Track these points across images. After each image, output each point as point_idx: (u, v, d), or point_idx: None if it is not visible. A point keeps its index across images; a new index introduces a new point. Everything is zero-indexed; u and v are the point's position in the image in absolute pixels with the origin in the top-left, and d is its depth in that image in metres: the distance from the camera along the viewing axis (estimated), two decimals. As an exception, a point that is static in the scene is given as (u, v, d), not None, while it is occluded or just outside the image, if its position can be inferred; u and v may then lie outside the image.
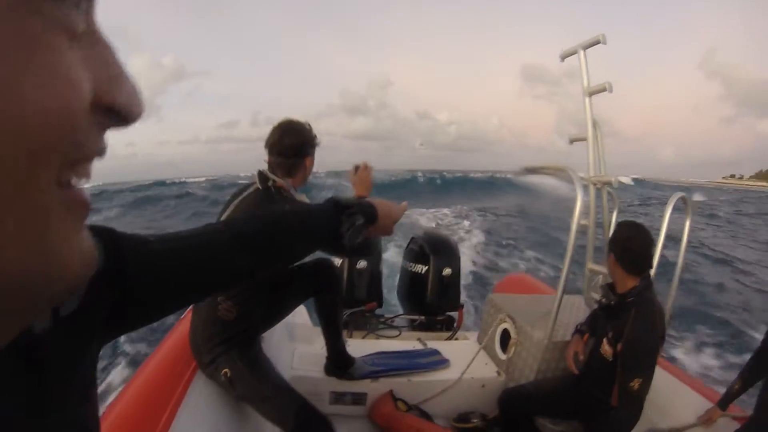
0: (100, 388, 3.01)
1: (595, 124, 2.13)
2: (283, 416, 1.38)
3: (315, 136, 1.56)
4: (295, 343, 2.20)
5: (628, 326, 1.54)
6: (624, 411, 1.52)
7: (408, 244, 2.96)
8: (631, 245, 1.60)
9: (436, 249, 2.73)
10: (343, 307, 2.60)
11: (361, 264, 2.56)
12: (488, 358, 2.25)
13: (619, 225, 1.73)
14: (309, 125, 1.56)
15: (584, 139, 2.14)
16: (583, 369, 1.78)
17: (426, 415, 1.99)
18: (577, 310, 2.27)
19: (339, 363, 1.91)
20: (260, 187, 1.45)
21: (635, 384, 1.47)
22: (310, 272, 1.70)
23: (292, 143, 1.49)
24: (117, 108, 0.20)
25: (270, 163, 1.51)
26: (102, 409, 1.06)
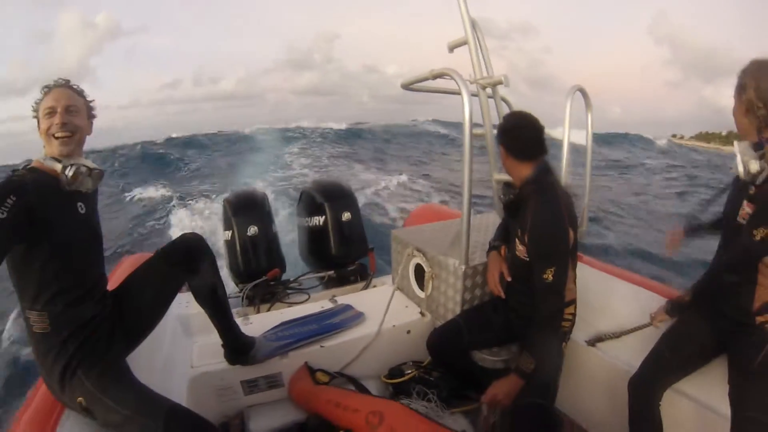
0: None
1: (474, 24, 1.92)
2: None
3: None
4: (194, 337, 1.88)
5: (529, 213, 1.39)
6: (545, 307, 1.39)
7: (299, 200, 2.69)
8: (520, 131, 1.46)
9: (328, 196, 2.48)
10: (233, 282, 2.30)
11: (252, 230, 2.25)
12: (408, 300, 2.06)
13: (505, 116, 1.60)
14: None
15: (464, 43, 1.93)
16: (509, 282, 1.62)
17: (353, 380, 1.77)
18: (494, 227, 2.11)
19: (237, 348, 1.63)
20: None
21: (549, 275, 1.34)
22: (170, 255, 1.37)
23: None
24: None
25: None
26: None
